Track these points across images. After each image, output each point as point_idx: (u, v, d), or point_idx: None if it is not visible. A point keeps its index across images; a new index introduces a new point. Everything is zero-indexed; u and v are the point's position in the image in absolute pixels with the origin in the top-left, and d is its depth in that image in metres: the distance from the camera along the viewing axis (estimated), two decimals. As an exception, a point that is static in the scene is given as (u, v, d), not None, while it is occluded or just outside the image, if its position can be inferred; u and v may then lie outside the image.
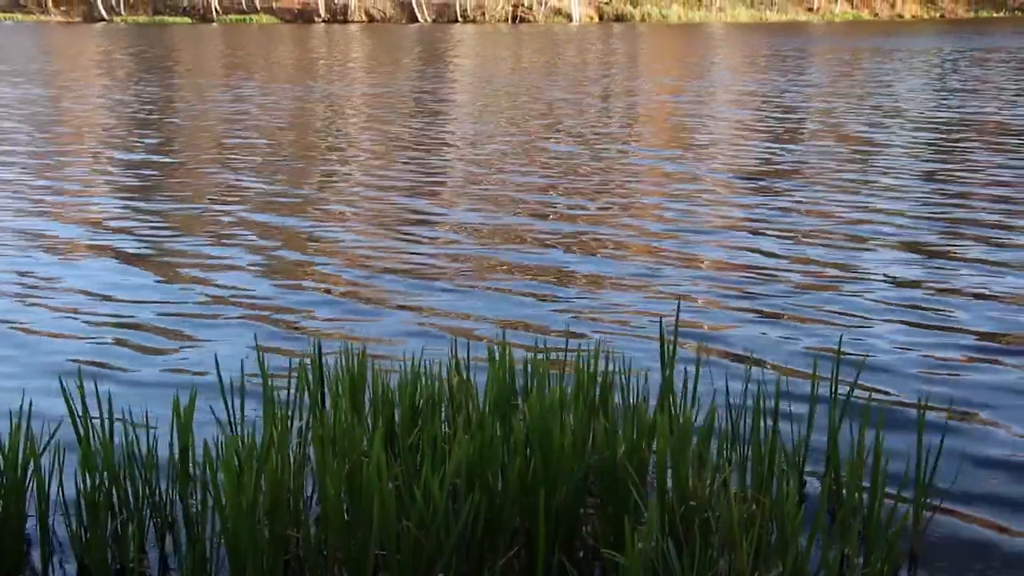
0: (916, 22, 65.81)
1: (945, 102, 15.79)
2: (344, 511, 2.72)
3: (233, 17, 67.79)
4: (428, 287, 5.73)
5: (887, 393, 4.04)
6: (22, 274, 6.11)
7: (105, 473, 2.89)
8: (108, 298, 5.59)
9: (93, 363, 4.49)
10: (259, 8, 68.84)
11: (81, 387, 3.14)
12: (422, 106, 16.14)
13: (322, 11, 67.91)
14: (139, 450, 2.98)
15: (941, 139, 11.72)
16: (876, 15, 72.04)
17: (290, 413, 3.47)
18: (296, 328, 5.01)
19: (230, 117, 14.67)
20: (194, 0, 69.45)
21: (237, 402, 3.49)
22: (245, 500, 2.60)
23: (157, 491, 3.00)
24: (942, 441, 3.15)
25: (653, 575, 2.54)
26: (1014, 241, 6.66)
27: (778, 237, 6.85)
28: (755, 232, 6.99)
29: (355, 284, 5.83)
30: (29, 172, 9.92)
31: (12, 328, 5.06)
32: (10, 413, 3.14)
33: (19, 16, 68.76)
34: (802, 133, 12.41)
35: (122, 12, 69.17)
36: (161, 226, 7.46)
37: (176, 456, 3.03)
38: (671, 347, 3.61)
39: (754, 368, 3.91)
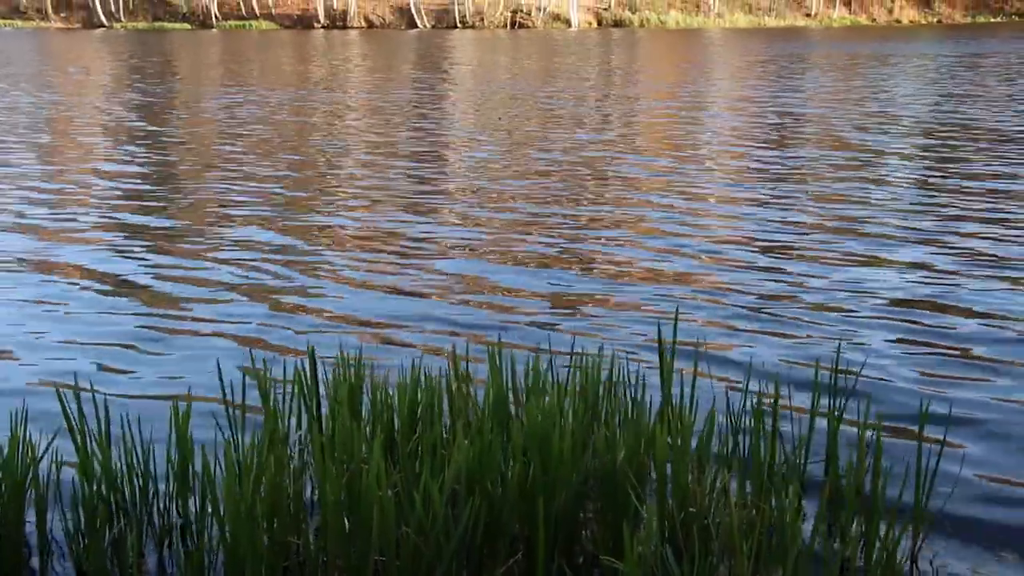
0: (913, 27, 65.87)
1: (941, 108, 15.81)
2: (343, 518, 2.72)
3: (232, 23, 67.82)
4: (426, 293, 5.73)
5: (886, 400, 4.04)
6: (19, 280, 6.10)
7: (103, 480, 2.89)
8: (105, 305, 5.59)
9: (91, 370, 4.49)
10: (258, 14, 68.89)
11: (78, 395, 3.14)
12: (419, 113, 16.15)
13: (321, 17, 67.97)
14: (138, 457, 2.97)
15: (937, 145, 11.73)
16: (874, 20, 72.13)
17: (289, 420, 3.47)
18: (294, 334, 5.00)
19: (227, 123, 14.68)
20: (193, 6, 69.51)
21: (236, 409, 3.49)
22: (244, 507, 2.60)
23: (156, 498, 3.00)
24: (942, 447, 3.14)
25: (653, 581, 2.54)
26: (1012, 250, 6.66)
27: (776, 245, 6.86)
28: (753, 240, 6.99)
29: (353, 290, 5.83)
30: (24, 179, 9.92)
31: (10, 335, 5.06)
32: (9, 421, 3.14)
33: (19, 23, 68.79)
34: (799, 140, 12.42)
35: (122, 18, 69.21)
36: (158, 233, 7.46)
37: (175, 463, 3.02)
38: (670, 353, 3.61)
39: (753, 374, 3.90)
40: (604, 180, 9.58)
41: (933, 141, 12.09)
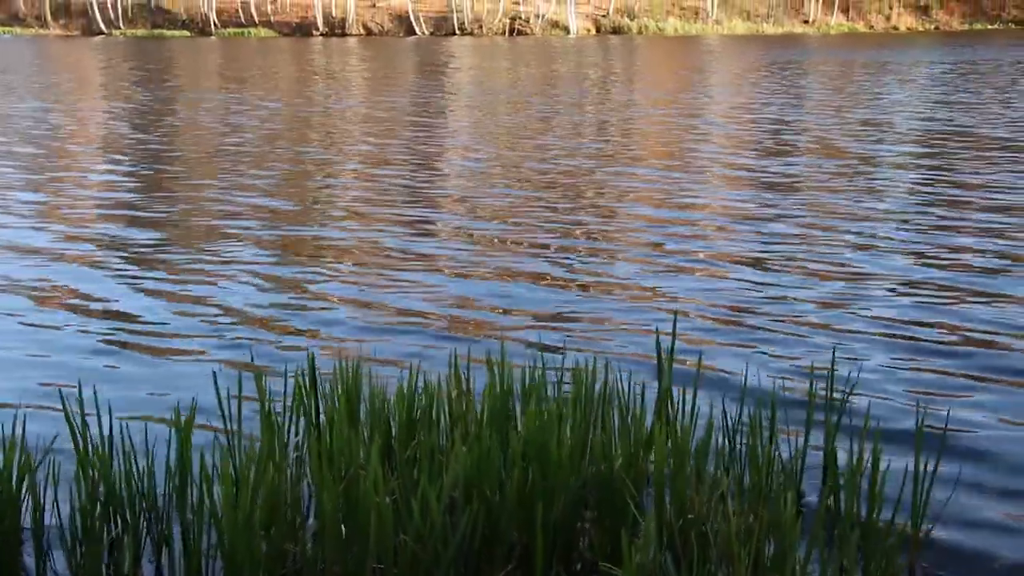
0: (911, 34, 66.01)
1: (937, 116, 15.83)
2: (341, 525, 2.71)
3: (232, 30, 67.91)
4: (424, 300, 5.73)
5: (884, 407, 4.04)
6: (17, 288, 6.10)
7: (101, 487, 2.88)
8: (103, 312, 5.59)
9: (89, 377, 4.48)
10: (257, 21, 68.98)
11: (79, 400, 3.13)
12: (416, 122, 16.17)
13: (320, 24, 68.07)
14: (135, 464, 2.97)
15: (933, 154, 11.75)
16: (871, 27, 72.27)
17: (287, 427, 3.47)
18: (292, 342, 5.00)
19: (222, 132, 14.69)
20: (192, 13, 69.60)
21: (233, 416, 3.49)
22: (242, 514, 2.60)
23: (153, 505, 2.99)
24: (939, 455, 3.14)
25: (651, 589, 2.54)
26: (1008, 262, 6.66)
27: (772, 255, 6.86)
28: (751, 249, 7.00)
29: (351, 297, 5.83)
30: (22, 186, 9.92)
31: (8, 342, 5.05)
32: (5, 427, 3.14)
33: (18, 30, 68.85)
34: (795, 149, 12.42)
35: (121, 26, 69.28)
36: (155, 241, 7.46)
37: (172, 470, 3.02)
38: (668, 360, 3.61)
39: (751, 382, 3.90)
40: (601, 190, 9.59)
41: (928, 150, 12.10)
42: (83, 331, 5.22)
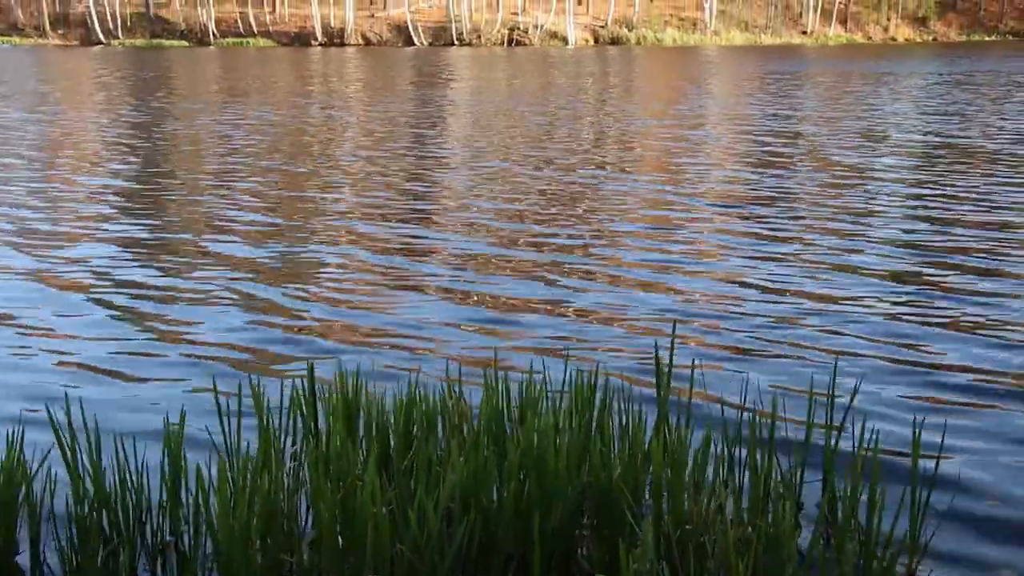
0: (909, 45, 66.24)
1: (932, 127, 15.87)
2: (338, 535, 2.71)
3: (230, 40, 68.08)
4: (421, 310, 5.72)
5: (881, 419, 4.03)
6: (10, 297, 6.09)
7: (96, 498, 2.87)
8: (98, 322, 5.58)
9: (84, 387, 4.47)
10: (256, 31, 69.17)
11: (70, 413, 3.12)
12: (413, 131, 16.19)
13: (319, 34, 68.25)
14: (130, 475, 2.96)
15: (928, 165, 11.76)
16: (869, 38, 72.56)
17: (283, 436, 3.46)
18: (289, 351, 5.00)
19: (220, 140, 14.70)
20: (191, 23, 69.78)
21: (230, 426, 3.48)
22: (238, 524, 2.59)
23: (149, 516, 2.98)
24: (937, 465, 3.14)
25: (648, 599, 2.53)
26: (1005, 276, 6.66)
27: (771, 264, 6.86)
28: (748, 259, 7.00)
29: (348, 306, 5.82)
30: (16, 193, 9.92)
31: (2, 353, 5.04)
32: (0, 440, 3.13)
33: (16, 39, 69.01)
34: (793, 160, 12.44)
35: (119, 36, 69.45)
36: (152, 247, 7.46)
37: (168, 480, 3.01)
38: (666, 370, 3.60)
39: (749, 392, 3.90)
40: (599, 200, 9.59)
41: (925, 163, 12.12)
42: (77, 341, 5.21)
